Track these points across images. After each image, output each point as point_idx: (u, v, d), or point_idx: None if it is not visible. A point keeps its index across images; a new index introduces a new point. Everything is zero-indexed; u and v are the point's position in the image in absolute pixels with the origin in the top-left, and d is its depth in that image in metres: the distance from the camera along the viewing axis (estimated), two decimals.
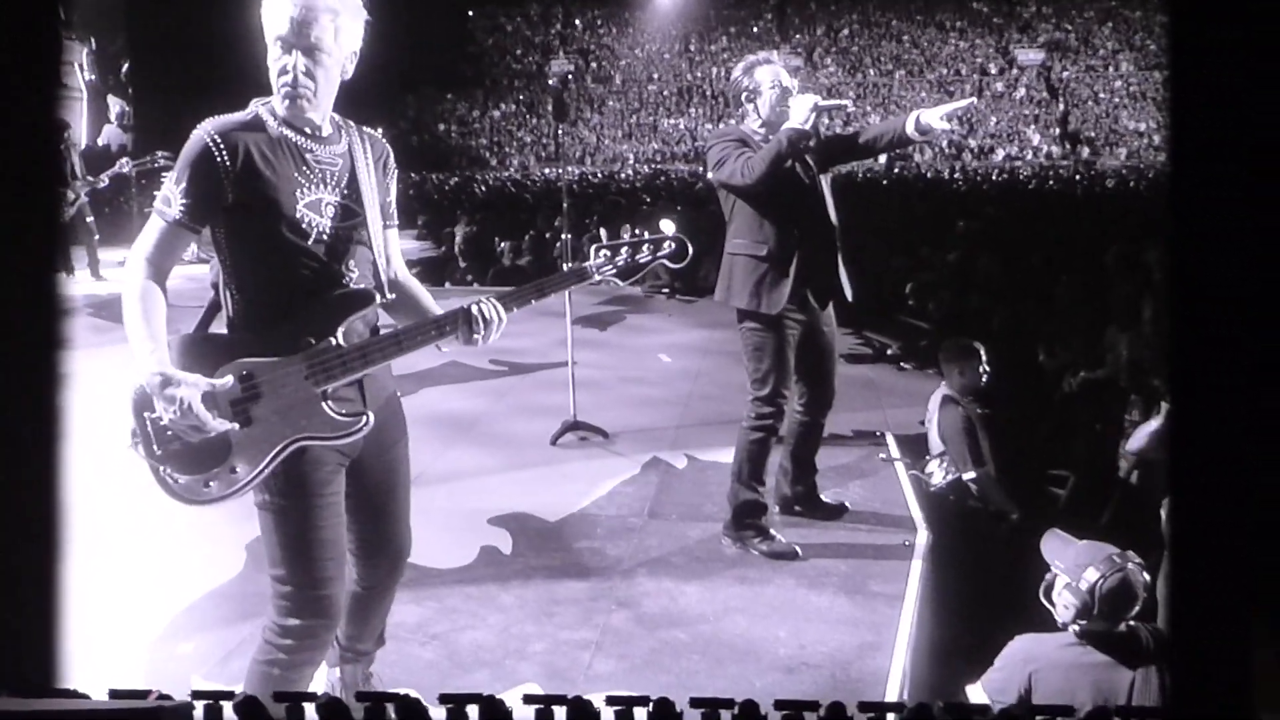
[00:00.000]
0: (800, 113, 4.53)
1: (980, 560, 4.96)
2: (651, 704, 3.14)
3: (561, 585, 4.41)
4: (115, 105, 24.07)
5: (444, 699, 3.12)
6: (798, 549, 4.69)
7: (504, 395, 7.68)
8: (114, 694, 3.09)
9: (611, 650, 3.88)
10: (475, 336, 2.83)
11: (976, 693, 3.31)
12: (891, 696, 3.68)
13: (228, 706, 3.02)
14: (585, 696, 3.20)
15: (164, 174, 2.77)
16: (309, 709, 2.92)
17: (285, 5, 2.65)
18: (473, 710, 3.10)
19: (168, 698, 3.05)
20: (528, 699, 3.18)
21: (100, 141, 22.50)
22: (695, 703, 3.20)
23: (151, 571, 4.51)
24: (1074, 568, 3.28)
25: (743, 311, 4.74)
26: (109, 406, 2.81)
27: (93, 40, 23.87)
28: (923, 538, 4.87)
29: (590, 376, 7.68)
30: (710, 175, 4.83)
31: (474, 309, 2.81)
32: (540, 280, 2.95)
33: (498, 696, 3.17)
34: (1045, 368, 8.03)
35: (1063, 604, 3.30)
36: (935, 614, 4.26)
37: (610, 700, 3.17)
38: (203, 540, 4.56)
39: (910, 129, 4.56)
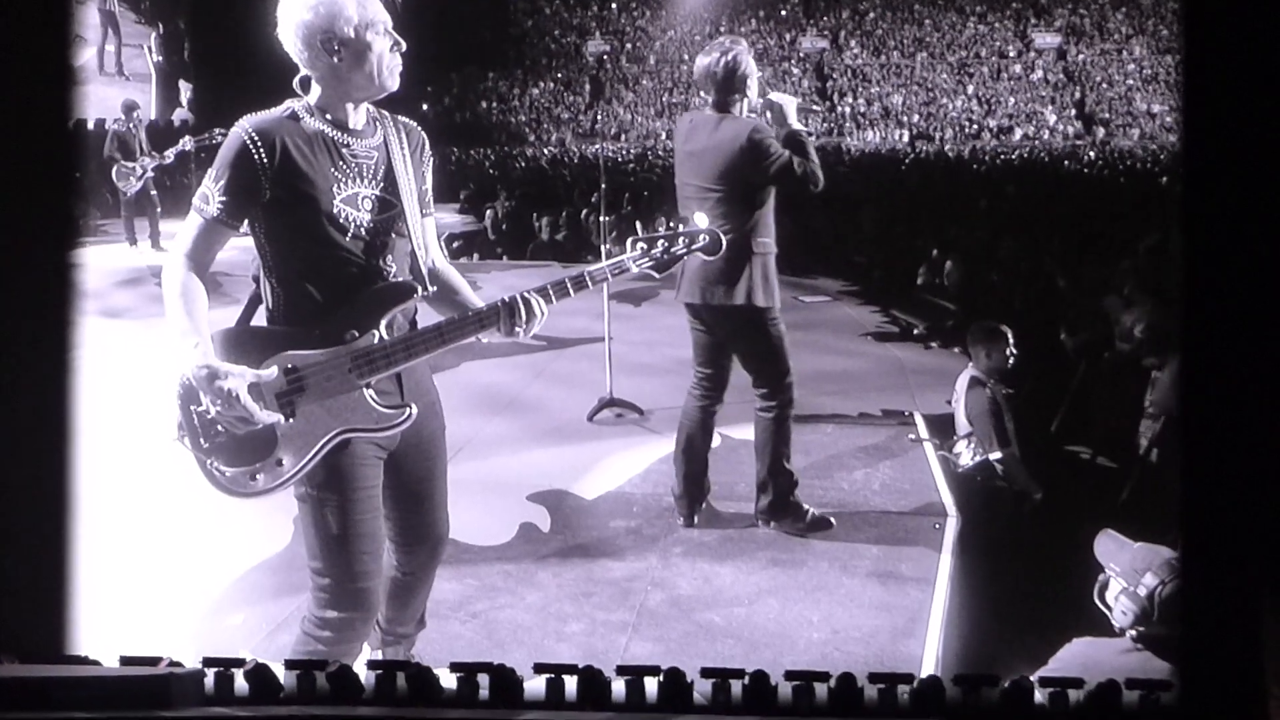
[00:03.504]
0: (793, 114, 4.37)
1: (1008, 543, 4.79)
2: (662, 674, 3.01)
3: (598, 564, 4.28)
4: (185, 90, 24.11)
5: (455, 667, 3.02)
6: (831, 518, 4.56)
7: (541, 370, 7.51)
8: (125, 660, 3.02)
9: (648, 633, 3.75)
10: (516, 329, 2.70)
11: None
12: None
13: (239, 674, 2.95)
14: (595, 666, 3.08)
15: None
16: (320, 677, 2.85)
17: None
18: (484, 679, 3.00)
19: (178, 664, 2.99)
20: (538, 668, 3.07)
21: (171, 119, 22.56)
22: (706, 673, 3.06)
23: (201, 544, 4.39)
24: (1130, 572, 3.07)
25: (768, 309, 4.50)
26: (162, 381, 2.71)
27: (160, 25, 23.84)
28: (952, 521, 4.70)
29: (626, 352, 7.48)
30: (784, 171, 4.34)
31: (517, 302, 2.69)
32: (579, 273, 2.82)
33: (508, 666, 3.06)
34: (1066, 345, 7.82)
35: (1120, 609, 3.08)
36: (966, 598, 4.10)
37: (621, 670, 3.04)
38: (251, 513, 4.41)
39: None
